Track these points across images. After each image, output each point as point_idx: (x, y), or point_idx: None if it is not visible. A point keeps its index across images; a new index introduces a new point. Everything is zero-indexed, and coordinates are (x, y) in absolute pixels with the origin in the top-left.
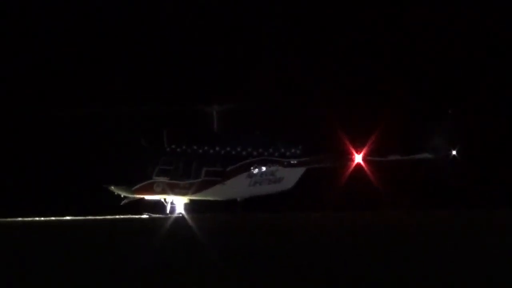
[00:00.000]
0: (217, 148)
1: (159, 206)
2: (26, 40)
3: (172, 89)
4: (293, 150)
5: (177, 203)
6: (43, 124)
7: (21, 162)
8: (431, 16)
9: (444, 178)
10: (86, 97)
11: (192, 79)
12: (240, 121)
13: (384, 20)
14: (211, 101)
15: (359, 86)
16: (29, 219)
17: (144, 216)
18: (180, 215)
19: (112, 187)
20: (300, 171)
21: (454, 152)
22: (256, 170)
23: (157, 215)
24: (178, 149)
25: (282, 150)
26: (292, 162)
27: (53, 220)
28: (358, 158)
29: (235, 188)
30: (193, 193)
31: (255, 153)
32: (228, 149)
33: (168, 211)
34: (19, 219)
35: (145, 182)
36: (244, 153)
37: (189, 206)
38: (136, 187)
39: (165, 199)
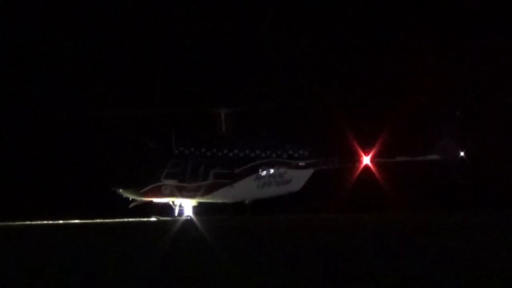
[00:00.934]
0: (225, 150)
1: (167, 209)
2: (36, 40)
3: (180, 91)
4: (301, 152)
5: (186, 206)
6: (52, 127)
7: (30, 165)
8: (439, 17)
9: (452, 179)
10: (95, 99)
11: (200, 81)
12: (248, 123)
13: (393, 22)
14: (219, 103)
15: (367, 87)
16: (37, 222)
17: (153, 219)
18: (189, 217)
19: (120, 190)
20: (308, 172)
21: (462, 154)
22: (264, 172)
23: (166, 218)
24: (186, 151)
25: (290, 151)
26: (300, 164)
27: (60, 223)
28: (366, 159)
29: (243, 190)
30: (202, 195)
31: (263, 155)
32: (236, 151)
33: (176, 214)
34: (28, 222)
35: (153, 185)
36: (252, 155)
37: (197, 209)
38: (144, 190)
39: (173, 202)
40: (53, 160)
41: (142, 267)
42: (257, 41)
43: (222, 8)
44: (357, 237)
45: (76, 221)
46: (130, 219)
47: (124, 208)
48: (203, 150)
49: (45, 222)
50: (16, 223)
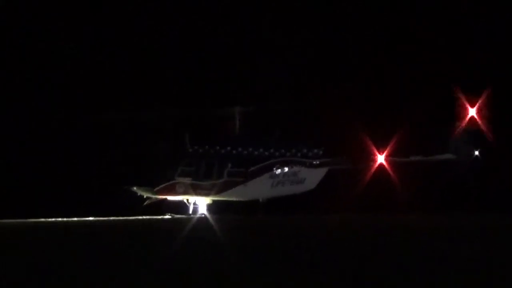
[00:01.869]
0: (239, 149)
1: (181, 207)
2: (55, 43)
3: (194, 91)
4: (315, 151)
5: (200, 204)
6: (67, 127)
7: (45, 165)
8: (452, 17)
9: (466, 179)
10: (109, 100)
11: (215, 80)
12: (262, 122)
13: (406, 22)
14: (233, 102)
15: (381, 87)
16: (53, 219)
17: (167, 216)
18: (203, 215)
19: (135, 188)
20: (322, 171)
21: (476, 153)
22: (278, 171)
23: (180, 216)
24: (201, 150)
25: (305, 150)
26: (314, 163)
27: (74, 221)
28: (380, 158)
29: (257, 188)
30: (216, 193)
31: (277, 153)
32: (250, 149)
33: (190, 212)
34: (42, 219)
35: (168, 183)
36: (266, 153)
37: (211, 207)
38: (158, 188)
39: (187, 200)
40: (68, 160)
41: (156, 264)
42: (273, 42)
43: (237, 9)
44: (370, 237)
45: (90, 218)
46: (144, 217)
47: (139, 206)
48: (217, 148)
49: (60, 219)
50: (30, 220)
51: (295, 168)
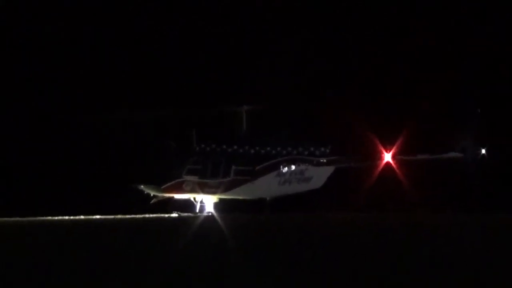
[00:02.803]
0: (246, 147)
1: (188, 205)
2: (60, 44)
3: (202, 89)
4: (322, 149)
5: (207, 202)
6: (76, 126)
7: (51, 163)
8: (454, 19)
9: (473, 177)
10: (118, 99)
11: (222, 79)
12: (269, 121)
13: (410, 23)
14: (240, 101)
15: (388, 86)
16: (57, 218)
17: (174, 215)
18: (210, 214)
19: (142, 186)
20: (329, 170)
21: (483, 151)
22: (285, 169)
23: (187, 214)
24: (208, 148)
25: (311, 149)
26: (321, 161)
27: (81, 219)
28: (387, 157)
29: (264, 187)
30: (223, 192)
31: (284, 152)
32: (257, 148)
33: (197, 210)
34: (57, 217)
35: (175, 181)
36: (273, 152)
37: (218, 205)
38: (165, 186)
39: (194, 198)
40: (76, 158)
41: (163, 263)
42: (278, 42)
43: (243, 11)
44: (377, 235)
45: (98, 217)
46: (151, 215)
47: (146, 204)
48: (224, 147)
49: (67, 218)
50: (36, 218)
51: (302, 167)
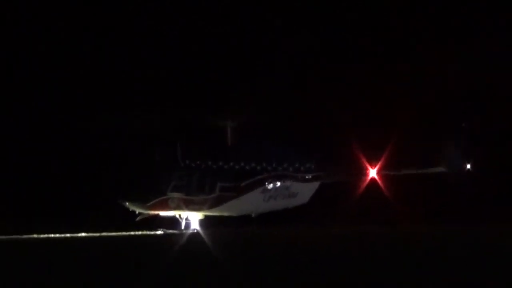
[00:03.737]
0: (231, 163)
1: (174, 222)
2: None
3: (186, 103)
4: (307, 165)
5: (192, 219)
6: (59, 140)
7: (37, 179)
8: (443, 27)
9: (459, 191)
10: (100, 111)
11: (206, 94)
12: (254, 135)
13: (396, 35)
14: (225, 116)
15: (373, 100)
16: (46, 236)
17: (159, 232)
18: (195, 231)
19: (127, 203)
20: (314, 186)
21: (468, 166)
22: (270, 185)
23: (172, 231)
24: (193, 165)
25: (297, 164)
26: (306, 177)
27: (68, 237)
28: (372, 172)
29: (249, 203)
30: (208, 208)
31: (269, 168)
32: (242, 164)
33: (183, 227)
34: (42, 236)
35: (160, 198)
36: (258, 168)
37: (203, 222)
38: (150, 203)
39: (180, 215)
40: (59, 174)
41: (149, 280)
42: (263, 54)
43: (232, 22)
44: (363, 249)
45: (83, 234)
46: (136, 232)
47: (131, 221)
48: (209, 163)
49: (52, 236)
50: (26, 236)
51: (287, 183)
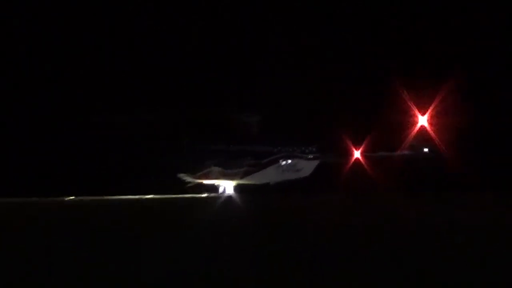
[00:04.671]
0: (255, 147)
1: (214, 188)
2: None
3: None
4: (310, 148)
5: (227, 186)
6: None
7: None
8: (417, 24)
9: (419, 168)
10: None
11: (233, 92)
12: (271, 127)
13: (379, 29)
14: (251, 111)
15: (359, 101)
16: (106, 197)
17: (204, 195)
18: (229, 194)
19: (183, 175)
20: (315, 163)
21: (426, 150)
22: (283, 163)
23: (213, 194)
24: (228, 148)
25: (302, 148)
26: (309, 157)
27: (136, 198)
28: (357, 154)
29: (268, 175)
30: (239, 179)
31: (282, 150)
32: (263, 147)
33: (220, 191)
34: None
35: (205, 170)
36: (274, 150)
37: (236, 188)
38: (199, 173)
39: (218, 183)
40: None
41: (197, 233)
42: (272, 53)
43: (240, 22)
44: (352, 212)
45: (150, 196)
46: (188, 195)
47: (182, 187)
48: (240, 147)
49: (115, 197)
50: (68, 198)
51: (295, 161)
